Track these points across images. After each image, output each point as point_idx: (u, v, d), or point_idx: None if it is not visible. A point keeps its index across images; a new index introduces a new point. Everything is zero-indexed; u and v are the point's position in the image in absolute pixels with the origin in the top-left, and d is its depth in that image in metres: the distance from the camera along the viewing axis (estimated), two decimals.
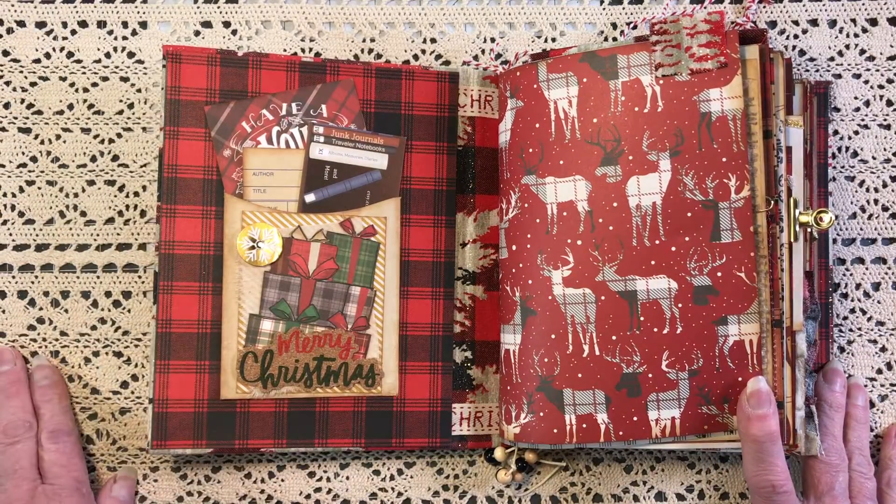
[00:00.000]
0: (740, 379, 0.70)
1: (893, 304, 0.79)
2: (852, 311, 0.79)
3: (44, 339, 0.77)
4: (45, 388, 0.76)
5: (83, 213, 0.78)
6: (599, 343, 0.72)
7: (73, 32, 0.78)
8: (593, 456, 0.79)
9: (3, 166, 0.77)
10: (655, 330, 0.71)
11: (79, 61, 0.78)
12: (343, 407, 0.75)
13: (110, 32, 0.78)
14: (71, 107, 0.78)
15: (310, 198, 0.75)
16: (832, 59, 0.80)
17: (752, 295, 0.69)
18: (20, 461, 0.73)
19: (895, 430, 0.78)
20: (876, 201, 0.79)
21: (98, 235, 0.78)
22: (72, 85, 0.78)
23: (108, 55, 0.78)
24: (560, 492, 0.79)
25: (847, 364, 0.79)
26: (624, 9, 0.80)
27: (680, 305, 0.71)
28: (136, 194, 0.78)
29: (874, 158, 0.80)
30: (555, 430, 0.73)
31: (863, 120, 0.80)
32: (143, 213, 0.78)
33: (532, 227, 0.73)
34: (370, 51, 0.80)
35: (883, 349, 0.79)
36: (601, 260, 0.72)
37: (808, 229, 0.71)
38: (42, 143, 0.78)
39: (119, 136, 0.78)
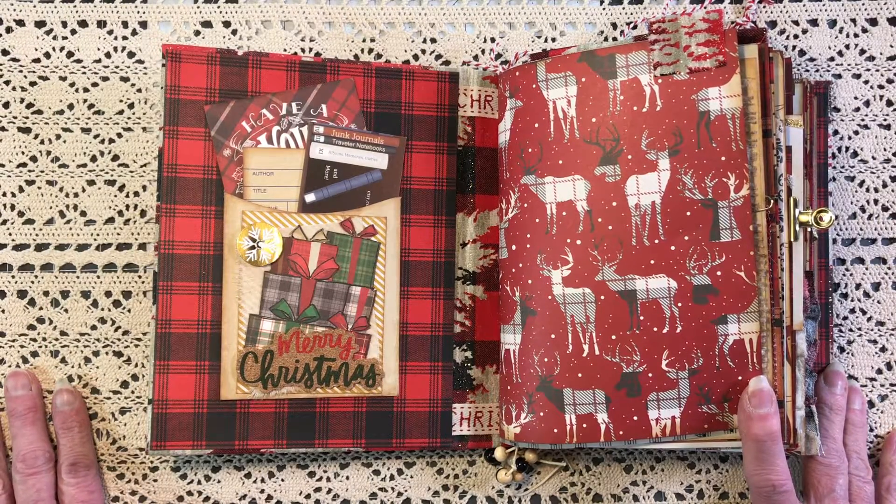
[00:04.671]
0: (740, 378, 0.70)
1: (893, 304, 0.79)
2: (852, 311, 0.79)
3: (44, 339, 0.77)
4: (67, 414, 0.75)
5: (83, 213, 0.78)
6: (599, 343, 0.72)
7: (73, 32, 0.78)
8: (593, 456, 0.79)
9: (2, 166, 0.77)
10: (655, 329, 0.71)
11: (79, 61, 0.78)
12: (343, 407, 0.75)
13: (110, 32, 0.78)
14: (71, 107, 0.78)
15: (310, 198, 0.75)
16: (832, 59, 0.80)
17: (752, 294, 0.69)
18: (41, 493, 0.73)
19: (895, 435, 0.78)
20: (876, 201, 0.79)
21: (98, 235, 0.78)
22: (72, 85, 0.78)
23: (108, 55, 0.78)
24: (560, 492, 0.79)
25: (847, 364, 0.79)
26: (624, 9, 0.80)
27: (679, 304, 0.70)
28: (136, 194, 0.78)
29: (874, 158, 0.80)
30: (555, 430, 0.72)
31: (863, 120, 0.80)
32: (143, 213, 0.78)
33: (532, 227, 0.73)
34: (370, 51, 0.80)
35: (883, 349, 0.79)
36: (601, 259, 0.72)
37: (808, 229, 0.71)
38: (42, 142, 0.78)
39: (119, 136, 0.78)
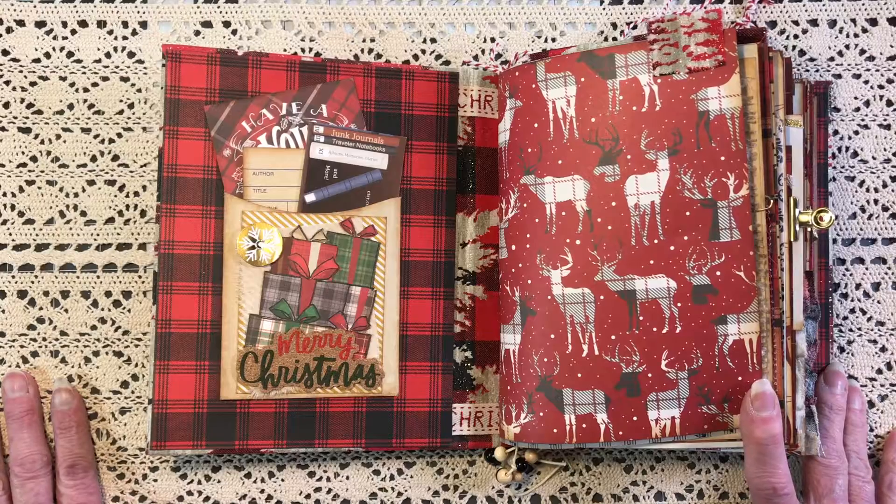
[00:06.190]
0: (740, 378, 0.70)
1: (893, 304, 0.79)
2: (852, 311, 0.79)
3: (44, 339, 0.77)
4: (65, 413, 0.75)
5: (83, 213, 0.78)
6: (599, 343, 0.72)
7: (73, 32, 0.78)
8: (593, 456, 0.79)
9: (2, 166, 0.78)
10: (655, 329, 0.71)
11: (79, 61, 0.78)
12: (343, 407, 0.75)
13: (110, 32, 0.78)
14: (71, 107, 0.78)
15: (310, 198, 0.75)
16: (832, 59, 0.80)
17: (752, 294, 0.69)
18: (39, 497, 0.73)
19: None
20: (876, 201, 0.79)
21: (98, 235, 0.78)
22: (72, 85, 0.78)
23: (108, 55, 0.78)
24: (560, 492, 0.79)
25: (847, 364, 0.79)
26: (624, 9, 0.80)
27: (679, 305, 0.70)
28: (136, 194, 0.78)
29: (874, 158, 0.80)
30: (555, 430, 0.72)
31: (863, 120, 0.80)
32: (143, 213, 0.78)
33: (531, 227, 0.73)
34: (370, 51, 0.80)
35: (883, 349, 0.79)
36: (600, 259, 0.72)
37: (808, 229, 0.71)
38: (42, 142, 0.78)
39: (119, 136, 0.78)
